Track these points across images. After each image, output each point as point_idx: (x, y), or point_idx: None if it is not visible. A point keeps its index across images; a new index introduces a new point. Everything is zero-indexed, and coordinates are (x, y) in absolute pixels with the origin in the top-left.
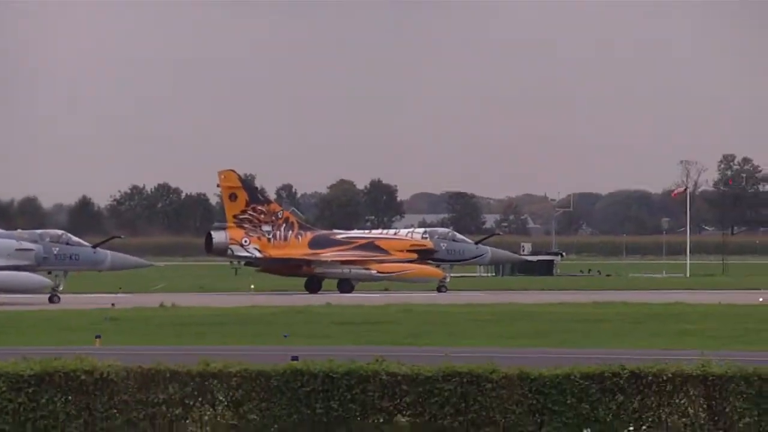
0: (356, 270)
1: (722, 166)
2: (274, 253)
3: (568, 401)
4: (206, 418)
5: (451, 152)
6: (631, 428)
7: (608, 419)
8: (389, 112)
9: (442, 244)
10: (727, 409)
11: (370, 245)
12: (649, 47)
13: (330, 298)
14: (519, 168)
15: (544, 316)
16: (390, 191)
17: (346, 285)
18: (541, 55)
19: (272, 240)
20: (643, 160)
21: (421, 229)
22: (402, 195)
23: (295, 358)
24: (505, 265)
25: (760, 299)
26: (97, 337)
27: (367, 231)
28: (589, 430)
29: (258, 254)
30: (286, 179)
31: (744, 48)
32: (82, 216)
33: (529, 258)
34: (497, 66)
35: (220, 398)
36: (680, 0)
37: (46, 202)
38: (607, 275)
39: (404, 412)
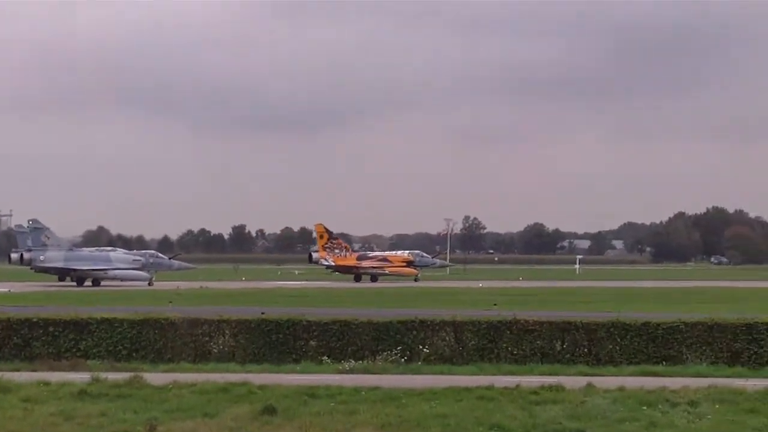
0: (380, 271)
1: (463, 220)
2: (340, 263)
3: (390, 334)
4: (221, 341)
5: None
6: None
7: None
8: None
9: (417, 258)
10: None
11: (384, 259)
12: None
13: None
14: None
15: (368, 293)
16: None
17: (373, 278)
18: None
19: (339, 256)
20: (429, 217)
21: (407, 251)
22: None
23: (263, 313)
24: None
25: (480, 284)
26: (170, 302)
27: (383, 252)
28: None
29: (333, 263)
30: None
31: None
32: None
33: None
34: None
35: (227, 332)
36: None
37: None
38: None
39: (314, 339)
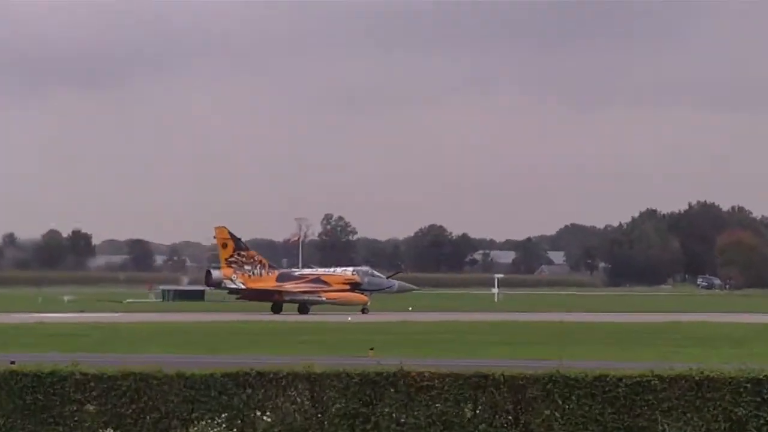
0: (313, 297)
1: (324, 221)
2: (253, 285)
3: (212, 394)
4: None
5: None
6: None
7: (241, 407)
8: None
9: (365, 279)
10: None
11: (318, 280)
12: None
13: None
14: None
15: (199, 331)
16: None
17: (303, 308)
18: None
19: (251, 276)
20: (268, 217)
21: (351, 269)
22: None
23: (12, 362)
24: (170, 293)
25: (349, 318)
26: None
27: (314, 269)
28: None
29: (242, 286)
30: None
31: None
32: None
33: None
34: None
35: None
36: None
37: None
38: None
39: (92, 402)
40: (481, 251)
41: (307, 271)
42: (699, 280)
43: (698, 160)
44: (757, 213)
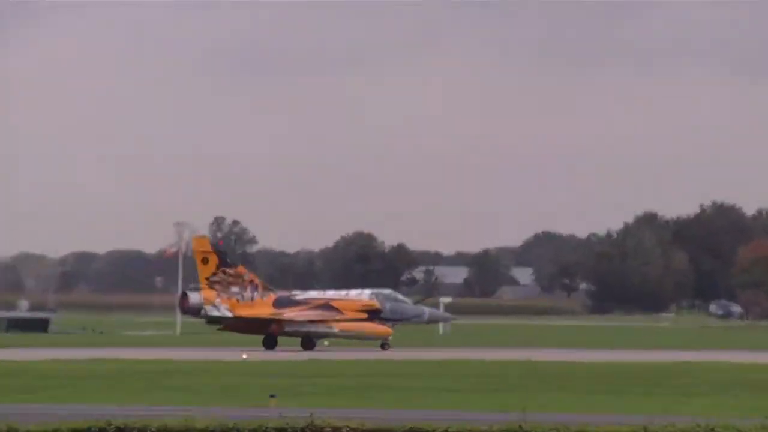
0: (322, 329)
1: (214, 227)
2: (243, 312)
3: None
4: None
5: None
6: None
7: None
8: None
9: (387, 304)
10: None
11: (327, 306)
12: None
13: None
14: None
15: (36, 372)
16: None
17: (308, 342)
18: None
19: (241, 300)
20: (138, 220)
21: (368, 291)
22: None
23: None
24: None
25: (244, 356)
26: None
27: (322, 292)
28: None
29: (229, 314)
30: None
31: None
32: None
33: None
34: None
35: None
36: None
37: None
38: (100, 332)
39: None
40: (422, 267)
41: (312, 294)
42: (713, 307)
43: (715, 147)
44: None
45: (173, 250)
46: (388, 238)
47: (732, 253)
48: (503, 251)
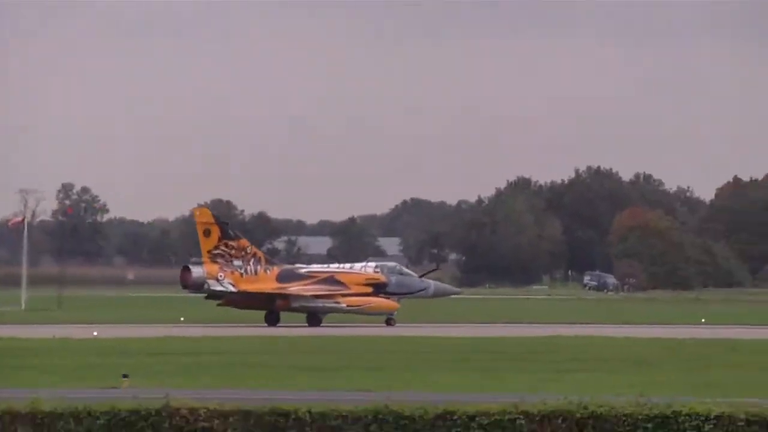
0: (329, 304)
1: (61, 195)
2: (247, 287)
3: None
4: None
5: None
6: None
7: None
8: None
9: (392, 278)
10: None
11: (331, 279)
12: None
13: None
14: None
15: None
16: None
17: (314, 319)
18: None
19: (244, 275)
20: None
21: (373, 263)
22: None
23: None
24: None
25: (95, 333)
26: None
27: (326, 266)
28: None
29: (232, 288)
30: None
31: None
32: None
33: None
34: None
35: None
36: None
37: None
38: None
39: None
40: (284, 237)
41: (315, 267)
42: (587, 278)
43: (590, 111)
44: (671, 184)
45: (18, 219)
46: (248, 206)
47: (608, 222)
48: (370, 220)
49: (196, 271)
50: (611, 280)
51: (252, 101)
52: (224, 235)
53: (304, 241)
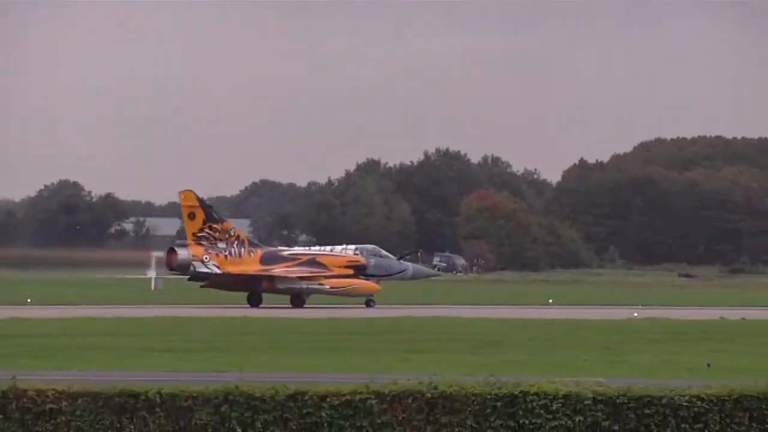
0: (314, 285)
1: None
2: (232, 269)
3: None
4: None
5: None
6: None
7: None
8: None
9: (371, 260)
10: None
11: (313, 261)
12: None
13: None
14: None
15: None
16: None
17: (298, 300)
18: None
19: (228, 257)
20: None
21: (353, 246)
22: None
23: None
24: None
25: None
26: None
27: (307, 248)
28: None
29: (217, 270)
30: None
31: None
32: None
33: None
34: None
35: None
36: None
37: None
38: None
39: None
40: (133, 218)
41: (298, 249)
42: (436, 260)
43: (440, 90)
44: (518, 166)
45: None
46: (96, 187)
47: (457, 203)
48: (220, 201)
49: (182, 253)
50: (460, 261)
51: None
52: (209, 218)
53: (154, 222)
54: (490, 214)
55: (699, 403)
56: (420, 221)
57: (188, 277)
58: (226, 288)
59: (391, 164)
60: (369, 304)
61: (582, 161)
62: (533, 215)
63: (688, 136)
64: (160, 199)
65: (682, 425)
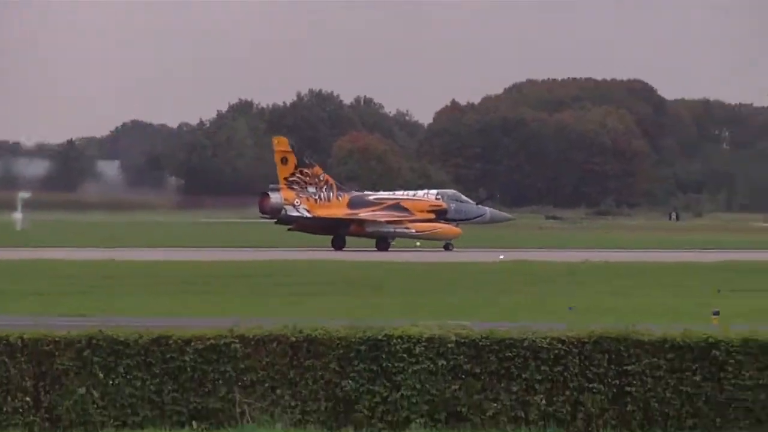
0: (400, 229)
1: None
2: (321, 213)
3: None
4: None
5: None
6: None
7: None
8: None
9: (452, 205)
10: None
11: (398, 206)
12: None
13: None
14: None
15: None
16: None
17: (384, 243)
18: None
19: (318, 201)
20: None
21: (434, 191)
22: None
23: None
24: None
25: None
26: None
27: (391, 193)
28: None
29: (308, 214)
30: None
31: None
32: None
33: None
34: None
35: None
36: None
37: None
38: None
39: None
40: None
41: (383, 194)
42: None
43: (315, 31)
44: (391, 108)
45: None
46: None
47: (329, 145)
48: (89, 142)
49: (275, 197)
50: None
51: None
52: (300, 163)
53: (20, 164)
54: (361, 156)
55: (559, 345)
56: None
57: (275, 220)
58: (313, 231)
59: (263, 105)
60: (448, 247)
61: (453, 103)
62: (404, 157)
63: (559, 78)
64: (27, 140)
65: (542, 367)
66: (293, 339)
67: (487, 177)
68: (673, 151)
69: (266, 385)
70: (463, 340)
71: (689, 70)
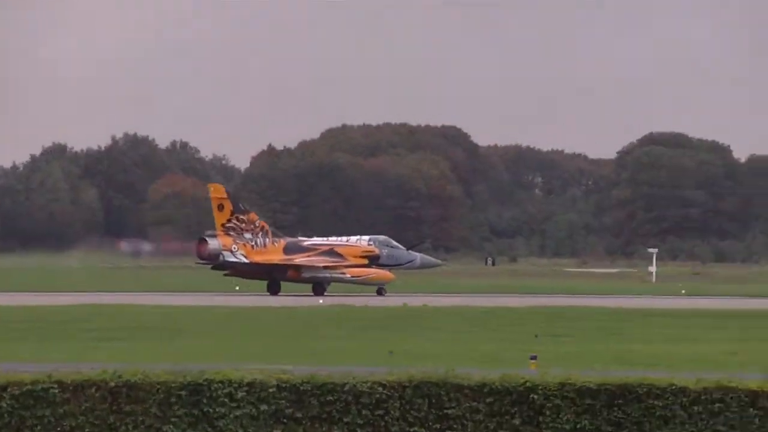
0: (336, 275)
1: None
2: (258, 258)
3: None
4: None
5: None
6: None
7: None
8: None
9: (383, 250)
10: None
11: (332, 252)
12: None
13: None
14: None
15: None
16: None
17: (320, 288)
18: None
19: (255, 247)
20: None
21: (367, 237)
22: None
23: None
24: None
25: None
26: None
27: (324, 238)
28: None
29: (245, 260)
30: None
31: None
32: None
33: None
34: None
35: None
36: None
37: None
38: None
39: None
40: None
41: (316, 240)
42: (124, 245)
43: (129, 73)
44: (207, 152)
45: None
46: None
47: (145, 189)
48: None
49: (213, 243)
50: (147, 246)
51: None
52: (236, 209)
53: None
54: (177, 200)
55: (380, 389)
56: (107, 206)
57: (212, 266)
58: (250, 277)
59: (77, 149)
60: (380, 292)
61: (270, 147)
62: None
63: (374, 123)
64: None
65: (363, 411)
66: (112, 384)
67: (303, 222)
68: (486, 196)
69: (86, 431)
70: (284, 385)
71: (501, 116)
